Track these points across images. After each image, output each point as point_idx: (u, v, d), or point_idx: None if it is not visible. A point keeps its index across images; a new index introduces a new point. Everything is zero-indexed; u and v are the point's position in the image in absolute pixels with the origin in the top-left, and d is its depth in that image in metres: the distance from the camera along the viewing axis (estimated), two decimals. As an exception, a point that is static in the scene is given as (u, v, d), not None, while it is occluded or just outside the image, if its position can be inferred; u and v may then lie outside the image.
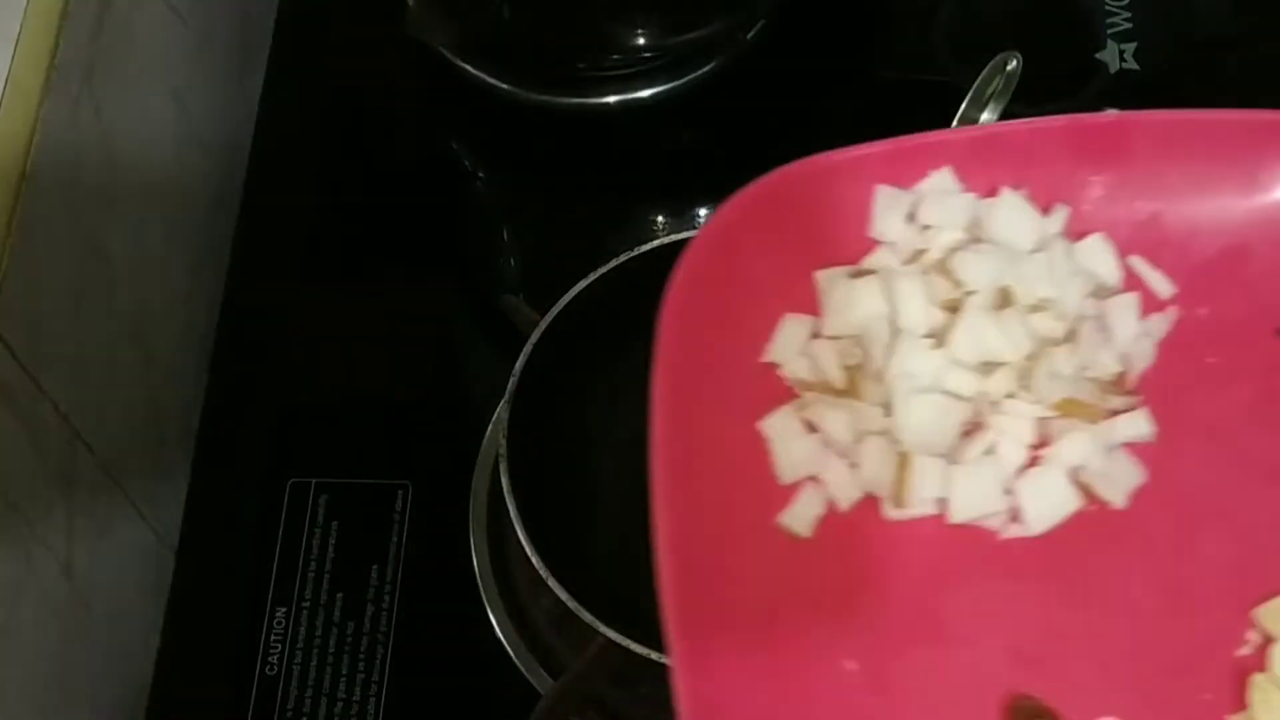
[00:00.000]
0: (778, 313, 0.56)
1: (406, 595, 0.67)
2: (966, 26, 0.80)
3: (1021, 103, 0.72)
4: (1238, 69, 0.79)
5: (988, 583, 0.54)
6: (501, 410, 0.63)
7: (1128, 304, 0.57)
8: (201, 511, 0.71)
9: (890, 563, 0.54)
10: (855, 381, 0.55)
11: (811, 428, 0.55)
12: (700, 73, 0.78)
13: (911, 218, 0.57)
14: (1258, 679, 0.51)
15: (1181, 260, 0.58)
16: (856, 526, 0.54)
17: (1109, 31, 0.80)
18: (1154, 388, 0.56)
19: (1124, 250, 0.58)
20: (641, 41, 0.76)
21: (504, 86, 0.78)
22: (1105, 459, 0.55)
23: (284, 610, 0.67)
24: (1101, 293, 0.57)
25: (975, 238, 0.57)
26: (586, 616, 0.59)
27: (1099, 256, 0.57)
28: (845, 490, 0.54)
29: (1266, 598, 0.53)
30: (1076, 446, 0.54)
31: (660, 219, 0.79)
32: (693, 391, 0.54)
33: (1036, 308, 0.56)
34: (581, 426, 0.68)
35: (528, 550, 0.60)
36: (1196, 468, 0.55)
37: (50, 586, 0.61)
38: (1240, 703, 0.51)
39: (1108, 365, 0.56)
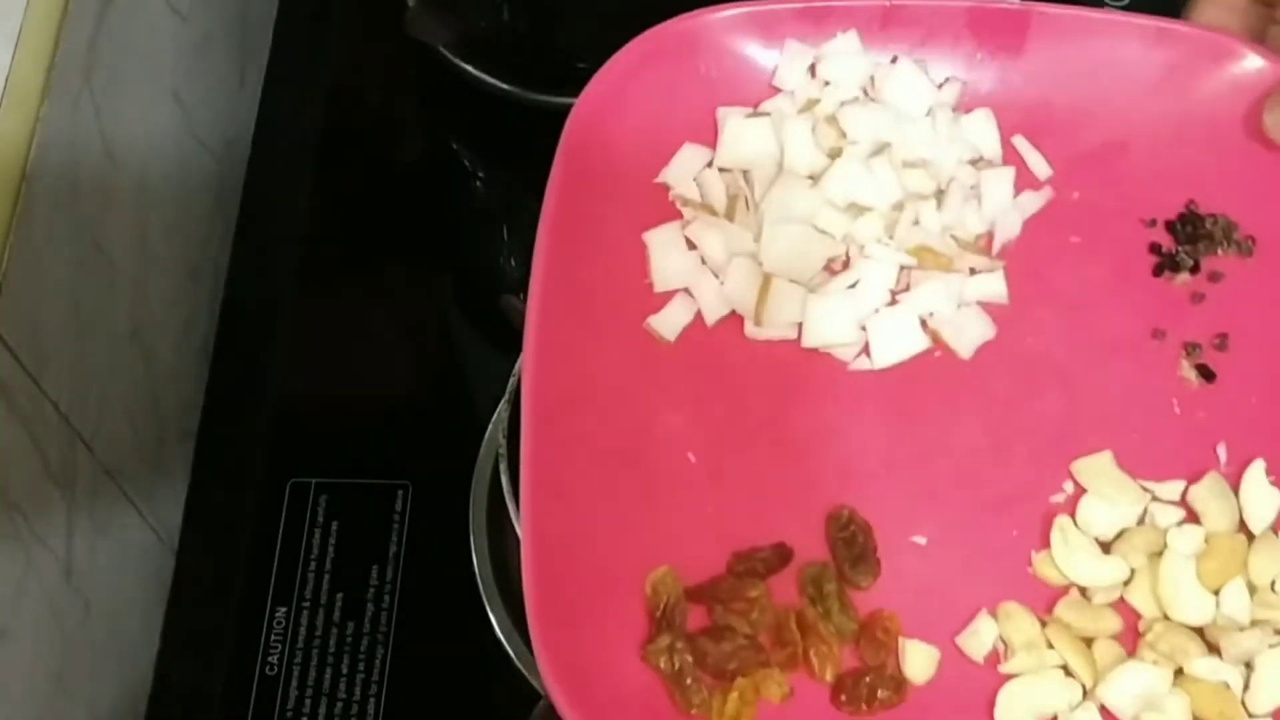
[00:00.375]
0: (678, 141, 0.62)
1: (406, 595, 0.67)
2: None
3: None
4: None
5: (830, 406, 0.59)
6: (501, 410, 0.63)
7: (1002, 177, 0.62)
8: (201, 511, 0.71)
9: (743, 377, 0.59)
10: (734, 208, 0.61)
11: (691, 245, 0.60)
12: (700, 73, 0.78)
13: (813, 72, 0.63)
14: (1061, 519, 0.57)
15: (1063, 147, 0.63)
16: (718, 340, 0.60)
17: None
18: (1017, 258, 0.62)
19: (1011, 130, 0.63)
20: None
21: (504, 86, 0.79)
22: (957, 311, 0.60)
23: (284, 610, 0.67)
24: (982, 165, 0.63)
25: (870, 99, 0.63)
26: (586, 616, 0.59)
27: (982, 130, 0.63)
28: (713, 305, 0.60)
29: (1086, 454, 0.58)
30: (930, 294, 0.60)
31: (660, 219, 0.79)
32: (585, 201, 0.59)
33: (911, 164, 0.62)
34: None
35: (528, 550, 0.60)
36: (1043, 333, 0.61)
37: (50, 586, 0.61)
38: (1044, 543, 0.57)
39: (972, 226, 0.62)
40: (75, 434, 0.62)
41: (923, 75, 0.63)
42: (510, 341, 0.66)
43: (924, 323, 0.60)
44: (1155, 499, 0.58)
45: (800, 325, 0.59)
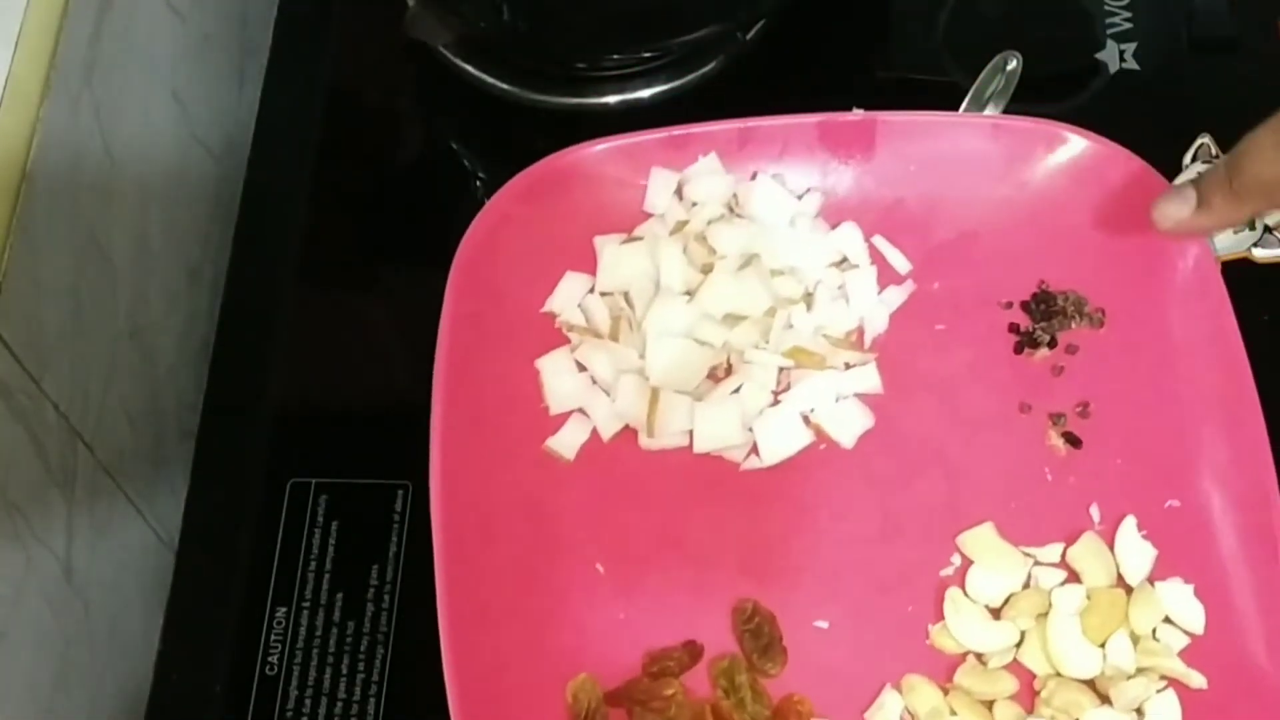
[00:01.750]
0: (561, 271, 0.66)
1: (406, 595, 0.67)
2: (966, 26, 0.80)
3: (1022, 102, 0.73)
4: (1238, 69, 0.79)
5: (726, 506, 0.63)
6: (501, 410, 0.63)
7: (866, 277, 0.67)
8: (201, 511, 0.71)
9: (642, 486, 0.63)
10: (618, 329, 0.65)
11: (581, 368, 0.65)
12: (700, 73, 0.78)
13: (680, 195, 0.67)
14: (952, 591, 0.61)
15: (920, 241, 0.68)
16: (615, 455, 0.64)
17: (1109, 31, 0.80)
18: (887, 349, 0.66)
19: (870, 230, 0.68)
20: (641, 41, 0.76)
21: (504, 86, 0.79)
22: (837, 405, 0.64)
23: (284, 610, 0.67)
24: (846, 266, 0.67)
25: (736, 214, 0.67)
26: (586, 616, 0.59)
27: (849, 241, 0.67)
28: (606, 422, 0.63)
29: (969, 528, 0.63)
30: (809, 391, 0.64)
31: (660, 219, 0.79)
32: (478, 334, 0.63)
33: (779, 272, 0.66)
34: (581, 426, 0.68)
35: (527, 550, 0.61)
36: (919, 417, 0.65)
37: (50, 586, 0.61)
38: (939, 615, 0.61)
39: (842, 324, 0.66)
40: (75, 434, 0.62)
41: (781, 189, 0.67)
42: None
43: (806, 419, 0.64)
44: (1038, 563, 0.62)
45: (691, 433, 0.63)
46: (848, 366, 0.65)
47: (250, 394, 0.73)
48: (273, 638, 0.66)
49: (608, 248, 0.66)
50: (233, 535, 0.69)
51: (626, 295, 0.66)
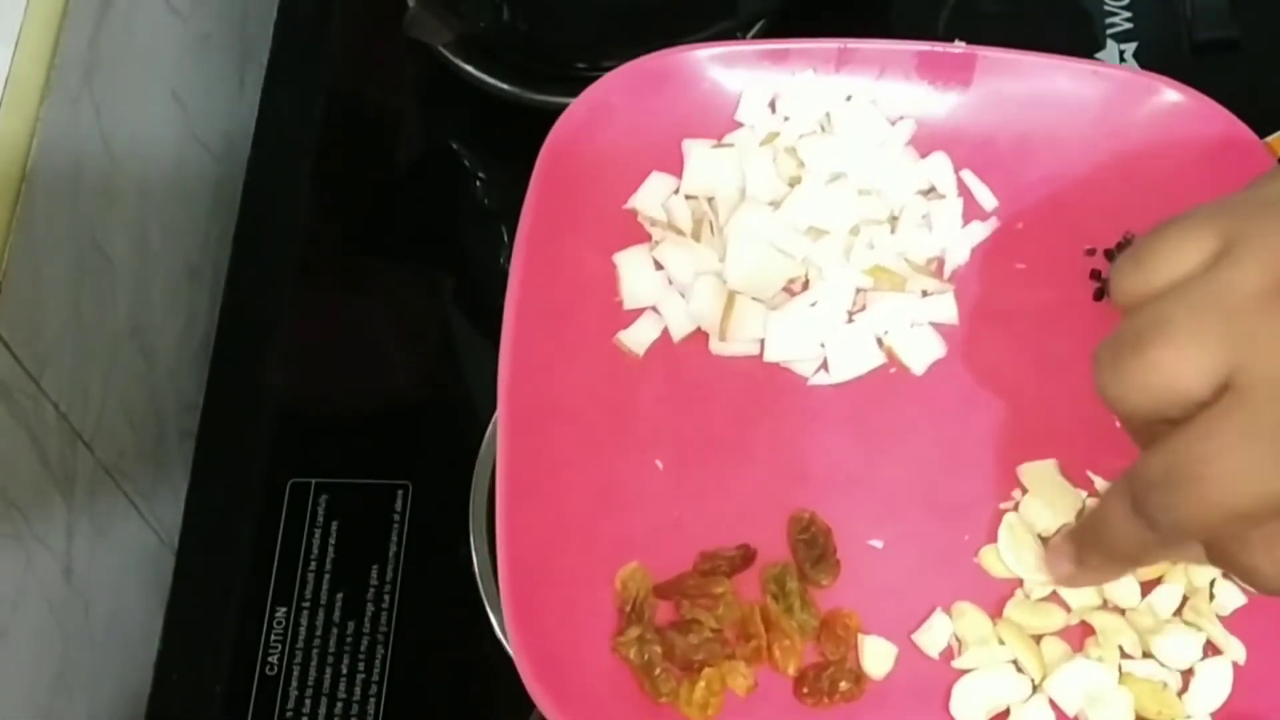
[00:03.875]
0: (647, 170, 0.65)
1: (406, 595, 0.67)
2: (966, 26, 0.80)
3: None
4: (1238, 69, 0.79)
5: (791, 418, 0.62)
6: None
7: (951, 208, 0.66)
8: (201, 511, 0.71)
9: (708, 390, 0.62)
10: (700, 231, 0.64)
11: (658, 266, 0.64)
12: (700, 73, 0.78)
13: (774, 108, 0.67)
14: (1010, 516, 0.60)
15: (1008, 180, 0.67)
16: (685, 355, 0.63)
17: (1109, 31, 0.80)
18: (966, 282, 0.65)
19: (959, 164, 0.67)
20: (641, 42, 0.76)
21: (504, 86, 0.79)
22: (911, 330, 0.63)
23: (284, 610, 0.67)
24: (933, 196, 0.66)
25: (827, 133, 0.66)
26: (586, 616, 0.59)
27: (938, 171, 0.66)
28: (679, 322, 0.63)
29: (1031, 460, 0.61)
30: (885, 313, 0.63)
31: (660, 219, 0.79)
32: (558, 224, 0.62)
33: (866, 192, 0.65)
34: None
35: (528, 550, 0.60)
36: (991, 352, 0.64)
37: (50, 587, 0.61)
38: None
39: (924, 251, 0.65)
40: (75, 434, 0.62)
41: (875, 112, 0.67)
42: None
43: (879, 341, 0.63)
44: (1094, 495, 0.61)
45: (762, 341, 0.62)
46: (925, 294, 0.64)
47: (250, 394, 0.73)
48: (273, 638, 0.66)
49: (696, 150, 0.66)
50: (233, 535, 0.69)
51: (711, 200, 0.65)
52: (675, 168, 0.66)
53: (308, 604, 0.67)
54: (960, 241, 0.66)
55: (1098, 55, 0.79)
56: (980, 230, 0.66)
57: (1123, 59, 0.79)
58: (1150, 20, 0.80)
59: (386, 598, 0.67)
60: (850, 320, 0.64)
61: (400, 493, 0.69)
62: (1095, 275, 0.66)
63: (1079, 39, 0.80)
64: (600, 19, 0.74)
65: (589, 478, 0.60)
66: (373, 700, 0.65)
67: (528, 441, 0.58)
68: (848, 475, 0.61)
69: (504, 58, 0.79)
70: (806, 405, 0.63)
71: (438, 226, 0.79)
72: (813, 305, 0.63)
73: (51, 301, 0.60)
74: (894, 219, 0.65)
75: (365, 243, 0.78)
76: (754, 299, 0.63)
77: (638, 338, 0.63)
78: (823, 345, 0.63)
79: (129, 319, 0.68)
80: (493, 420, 0.69)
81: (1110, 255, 0.66)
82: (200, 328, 0.76)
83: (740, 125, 0.67)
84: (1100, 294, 0.65)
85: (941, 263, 0.66)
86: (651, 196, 0.65)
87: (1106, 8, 0.81)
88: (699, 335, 0.63)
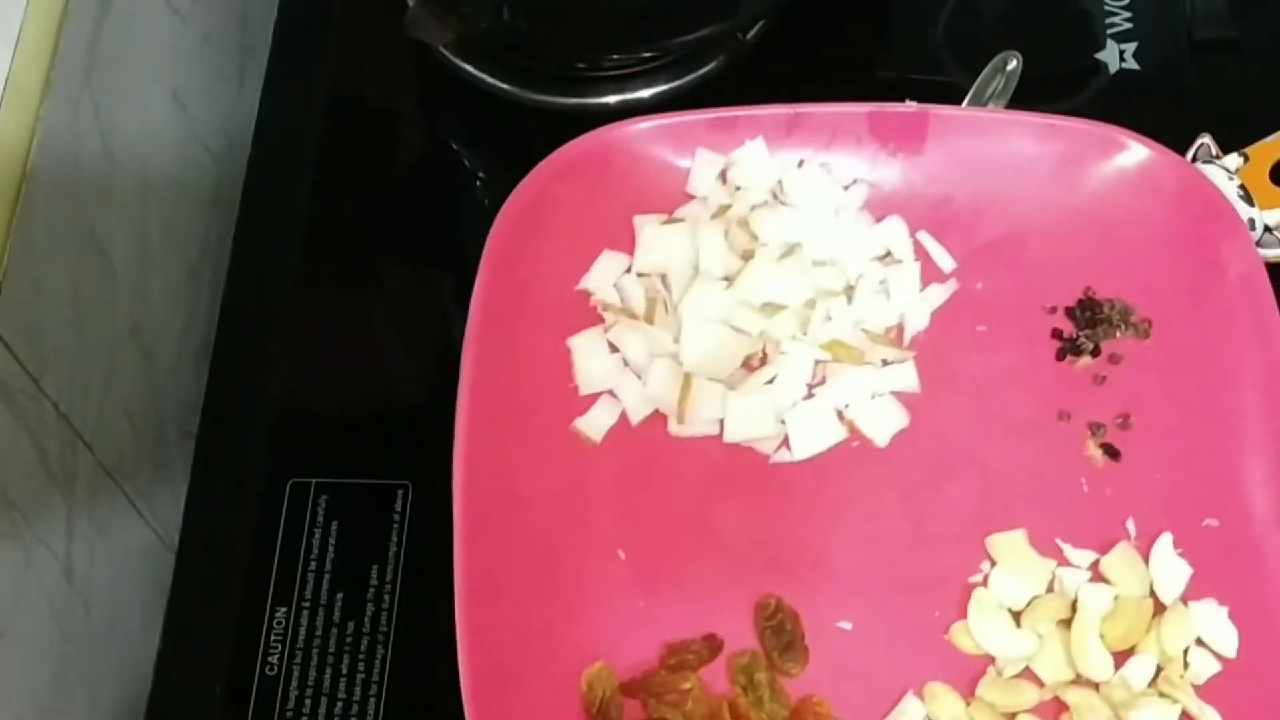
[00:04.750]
0: (597, 249, 0.65)
1: (406, 595, 0.67)
2: (966, 26, 0.80)
3: (1022, 103, 0.72)
4: (1238, 69, 0.79)
5: (754, 499, 0.61)
6: (501, 410, 0.63)
7: (909, 273, 0.65)
8: (201, 511, 0.71)
9: (669, 474, 0.62)
10: (654, 311, 0.63)
11: (613, 349, 0.63)
12: (700, 73, 0.78)
13: (724, 178, 0.66)
14: (979, 591, 0.60)
15: (965, 240, 0.66)
16: (643, 440, 0.62)
17: (1109, 31, 0.80)
18: (926, 348, 0.65)
19: (915, 226, 0.66)
20: (641, 41, 0.76)
21: (504, 86, 0.79)
22: (872, 402, 0.63)
23: (284, 610, 0.67)
24: (889, 261, 0.66)
25: (780, 202, 0.66)
26: (586, 616, 0.60)
27: (894, 236, 0.66)
28: (637, 405, 0.62)
29: (999, 531, 0.61)
30: (845, 386, 0.63)
31: (660, 219, 0.79)
32: (509, 309, 0.62)
33: (821, 263, 0.65)
34: (581, 426, 0.68)
35: (527, 550, 0.61)
36: (954, 420, 0.63)
37: (50, 587, 0.61)
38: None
39: (882, 319, 0.64)
40: (75, 434, 0.62)
41: (828, 178, 0.66)
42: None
43: (840, 414, 0.63)
44: (1064, 564, 0.61)
45: (722, 421, 0.62)
46: (885, 363, 0.64)
47: (250, 394, 0.73)
48: (273, 638, 0.66)
49: (647, 227, 0.65)
50: (233, 535, 0.69)
51: (664, 278, 0.64)
52: (627, 245, 0.65)
53: (308, 604, 0.67)
54: (919, 307, 0.65)
55: (1098, 55, 0.79)
56: (939, 293, 0.65)
57: (1122, 59, 0.79)
58: (1150, 20, 0.80)
59: (386, 598, 0.67)
60: (810, 395, 0.63)
61: (400, 493, 0.69)
62: (1057, 335, 0.66)
63: (1079, 39, 0.80)
64: (600, 19, 0.74)
65: (550, 575, 0.59)
66: (373, 700, 0.65)
67: (485, 541, 0.57)
68: (814, 555, 0.61)
69: (504, 58, 0.79)
70: (769, 484, 0.62)
71: (438, 226, 0.79)
72: (770, 382, 0.62)
73: (51, 301, 0.60)
74: (850, 288, 0.65)
75: (365, 243, 0.78)
76: (711, 379, 0.62)
77: (595, 424, 0.62)
78: (783, 422, 0.62)
79: (129, 319, 0.68)
80: (493, 420, 0.69)
81: (1071, 313, 0.66)
82: (200, 328, 0.76)
83: (692, 198, 0.66)
84: (1062, 354, 0.65)
85: (901, 329, 0.65)
86: (603, 276, 0.64)
87: (1106, 8, 0.81)
88: (657, 418, 0.62)
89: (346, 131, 0.80)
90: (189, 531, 0.70)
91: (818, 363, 0.63)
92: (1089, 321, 0.66)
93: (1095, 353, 0.66)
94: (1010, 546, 0.61)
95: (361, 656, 0.66)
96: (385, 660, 0.66)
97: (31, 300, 0.58)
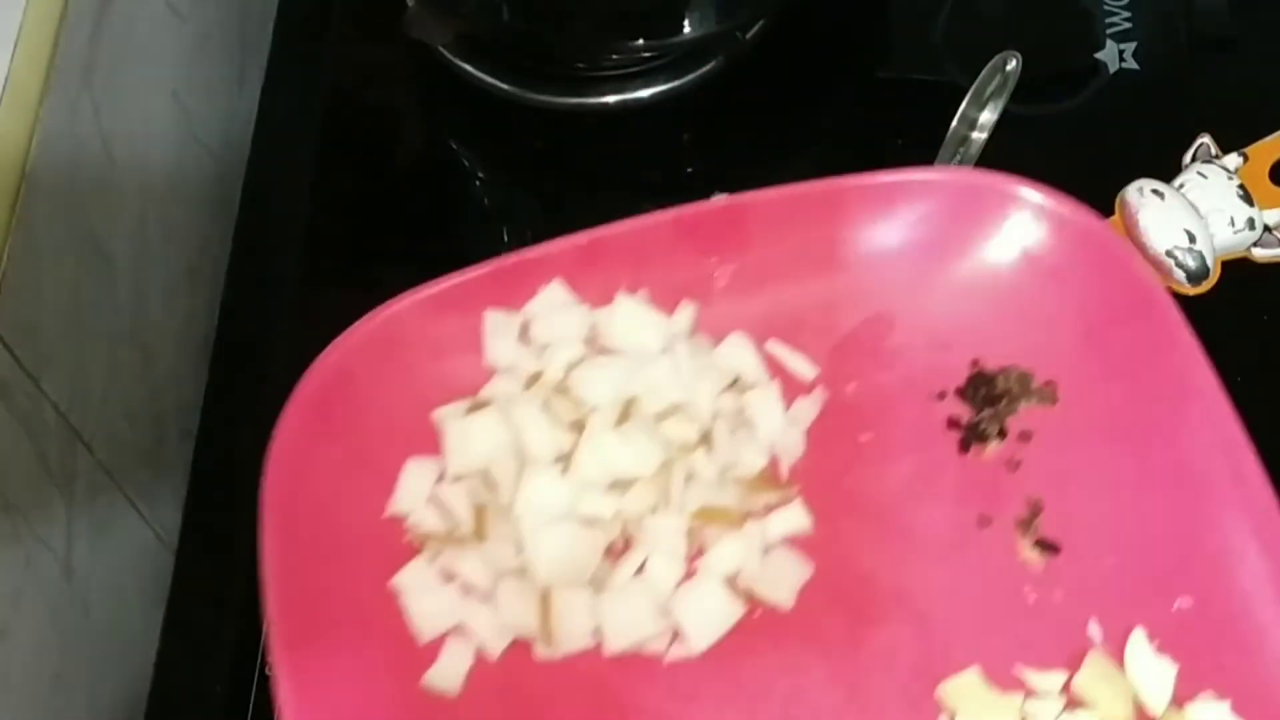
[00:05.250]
0: (400, 460, 0.53)
1: (406, 595, 0.67)
2: (966, 26, 0.80)
3: (1021, 103, 0.73)
4: (1237, 69, 0.79)
5: (657, 710, 0.50)
6: (501, 410, 0.63)
7: (768, 395, 0.54)
8: (201, 511, 0.70)
9: (550, 705, 0.50)
10: (484, 522, 0.52)
11: (448, 577, 0.52)
12: (700, 73, 0.78)
13: (524, 339, 0.55)
14: None
15: (823, 338, 0.56)
16: (512, 673, 0.51)
17: (1109, 31, 0.80)
18: (809, 475, 0.54)
19: (761, 336, 0.55)
20: (641, 41, 0.76)
21: (504, 86, 0.79)
22: (765, 560, 0.52)
23: (284, 610, 0.67)
24: (741, 386, 0.55)
25: (599, 349, 0.55)
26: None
27: (740, 355, 0.55)
28: (493, 637, 0.51)
29: (949, 675, 0.51)
30: (729, 552, 0.52)
31: (660, 219, 0.79)
32: (310, 560, 0.50)
33: (666, 414, 0.53)
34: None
35: (527, 550, 0.60)
36: (863, 553, 0.53)
37: (50, 587, 0.61)
38: None
39: (751, 462, 0.54)
40: (75, 434, 0.62)
41: (648, 308, 0.55)
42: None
43: (731, 584, 0.53)
44: (1031, 695, 0.51)
45: (597, 632, 0.52)
46: (768, 509, 0.54)
47: (250, 394, 0.73)
48: (272, 638, 0.66)
49: (451, 422, 0.54)
50: (233, 535, 0.69)
51: (486, 476, 0.53)
52: (432, 447, 0.54)
53: (308, 604, 0.67)
54: (789, 432, 0.55)
55: (1098, 55, 0.79)
56: (808, 408, 0.55)
57: (1122, 59, 0.79)
58: (1150, 20, 0.80)
59: (386, 598, 0.67)
60: (691, 572, 0.53)
61: (400, 493, 0.69)
62: (954, 424, 0.56)
63: (1079, 39, 0.80)
64: (600, 19, 0.74)
65: None
66: (372, 700, 0.65)
67: None
68: None
69: (504, 58, 0.79)
70: (673, 689, 0.51)
71: (437, 226, 0.79)
72: (640, 570, 0.52)
73: (51, 302, 0.60)
74: (706, 434, 0.54)
75: (365, 243, 0.78)
76: (572, 586, 0.51)
77: (448, 673, 0.51)
78: (668, 614, 0.52)
79: (129, 319, 0.68)
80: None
81: (963, 394, 0.56)
82: (200, 328, 0.76)
83: (493, 372, 0.55)
84: (965, 444, 0.56)
85: (776, 463, 0.55)
86: (414, 494, 0.53)
87: (1106, 8, 0.80)
88: (521, 645, 0.52)
89: (346, 131, 0.80)
90: (189, 531, 0.70)
91: (690, 532, 0.53)
92: (986, 399, 0.56)
93: (1002, 434, 0.56)
94: (966, 692, 0.51)
95: (361, 656, 0.66)
96: (385, 660, 0.66)
97: (31, 300, 0.58)
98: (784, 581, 0.53)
